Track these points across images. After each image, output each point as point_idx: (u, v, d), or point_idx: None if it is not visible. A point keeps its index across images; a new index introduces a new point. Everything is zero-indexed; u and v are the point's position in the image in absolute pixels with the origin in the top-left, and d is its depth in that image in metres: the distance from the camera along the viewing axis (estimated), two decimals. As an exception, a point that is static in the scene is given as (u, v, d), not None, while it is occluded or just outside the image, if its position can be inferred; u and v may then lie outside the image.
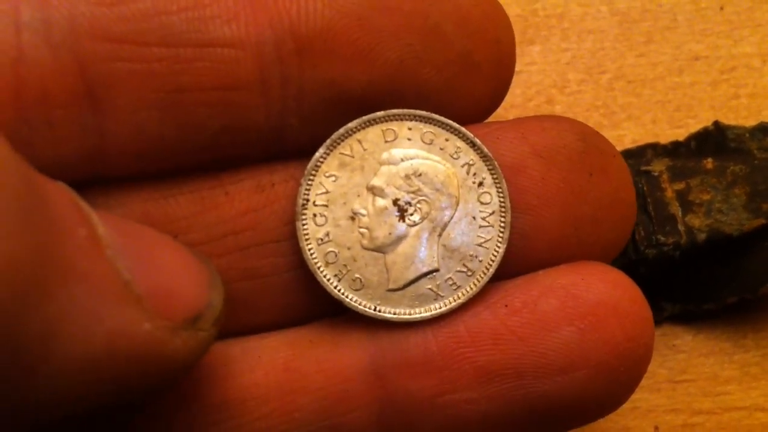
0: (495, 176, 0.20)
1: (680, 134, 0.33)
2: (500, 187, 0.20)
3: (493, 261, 0.20)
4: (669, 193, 0.30)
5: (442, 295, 0.20)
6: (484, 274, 0.20)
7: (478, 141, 0.20)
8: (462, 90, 0.20)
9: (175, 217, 0.20)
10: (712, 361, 0.31)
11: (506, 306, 0.19)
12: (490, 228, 0.20)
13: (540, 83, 0.35)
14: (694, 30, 0.35)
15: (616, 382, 0.19)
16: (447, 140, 0.20)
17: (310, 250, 0.20)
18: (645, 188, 0.30)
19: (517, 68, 0.37)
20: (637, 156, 0.32)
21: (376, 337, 0.20)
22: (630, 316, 0.19)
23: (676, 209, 0.29)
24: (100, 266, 0.15)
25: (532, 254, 0.20)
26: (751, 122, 0.32)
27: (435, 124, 0.20)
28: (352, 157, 0.20)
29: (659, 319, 0.31)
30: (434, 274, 0.20)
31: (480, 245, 0.20)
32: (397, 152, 0.20)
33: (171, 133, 0.19)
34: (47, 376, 0.14)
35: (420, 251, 0.20)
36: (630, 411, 0.31)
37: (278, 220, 0.20)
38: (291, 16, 0.18)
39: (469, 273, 0.20)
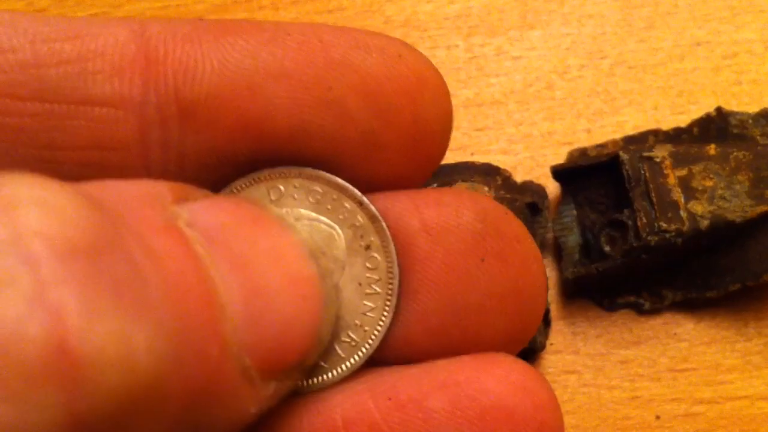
0: (383, 239, 0.18)
1: (682, 120, 0.33)
2: (388, 251, 0.18)
3: (378, 332, 0.18)
4: (671, 180, 0.29)
5: (326, 366, 0.18)
6: (369, 345, 0.18)
7: (365, 200, 0.18)
8: (365, 170, 0.18)
9: None
10: (714, 350, 0.31)
11: (390, 399, 0.17)
12: (377, 295, 0.18)
13: (540, 68, 0.35)
14: (695, 15, 0.35)
15: None
16: (335, 199, 0.18)
17: None
18: (647, 175, 0.29)
19: (516, 53, 0.36)
20: (638, 142, 0.32)
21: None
22: (530, 425, 0.17)
23: (678, 196, 0.29)
24: (229, 372, 0.14)
25: (411, 341, 0.18)
26: (753, 108, 0.32)
27: (323, 182, 0.18)
28: None
29: (661, 307, 0.31)
30: None
31: (365, 314, 0.18)
32: (281, 212, 0.18)
33: None
34: None
35: None
36: (630, 400, 0.30)
37: None
38: (177, 79, 0.17)
39: (353, 343, 0.18)
